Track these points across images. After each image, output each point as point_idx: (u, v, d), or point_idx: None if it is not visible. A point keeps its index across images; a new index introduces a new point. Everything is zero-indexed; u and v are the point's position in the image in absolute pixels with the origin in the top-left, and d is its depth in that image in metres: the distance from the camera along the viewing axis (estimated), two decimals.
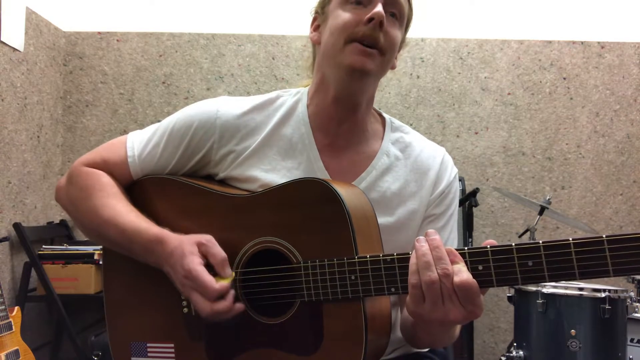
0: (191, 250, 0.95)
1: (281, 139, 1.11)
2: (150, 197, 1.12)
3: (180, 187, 1.09)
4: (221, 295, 0.93)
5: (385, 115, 1.20)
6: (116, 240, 1.06)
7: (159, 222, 1.05)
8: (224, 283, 0.93)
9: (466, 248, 0.84)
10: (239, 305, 0.95)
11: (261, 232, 0.98)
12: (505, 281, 0.82)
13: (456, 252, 0.83)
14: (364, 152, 1.13)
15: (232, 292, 0.94)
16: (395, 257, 0.88)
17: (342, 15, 1.04)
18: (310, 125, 1.11)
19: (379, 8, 1.01)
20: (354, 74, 1.04)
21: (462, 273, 0.81)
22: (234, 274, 0.97)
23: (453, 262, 0.82)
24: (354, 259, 0.90)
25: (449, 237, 1.13)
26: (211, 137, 1.09)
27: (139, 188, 1.14)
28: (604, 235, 0.76)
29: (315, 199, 0.94)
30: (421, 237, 0.85)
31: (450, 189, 1.15)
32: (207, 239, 0.97)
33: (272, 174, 1.08)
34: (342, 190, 0.94)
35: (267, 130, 1.10)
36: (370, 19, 1.00)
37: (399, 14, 1.06)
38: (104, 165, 1.13)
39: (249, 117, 1.11)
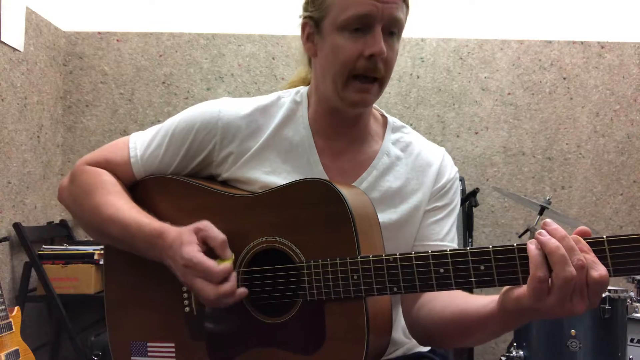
0: (189, 239, 0.95)
1: (282, 141, 1.11)
2: (152, 197, 1.12)
3: (183, 187, 1.09)
4: (224, 278, 0.93)
5: (387, 115, 1.20)
6: (118, 236, 1.06)
7: (162, 221, 1.05)
8: (227, 264, 0.94)
9: (468, 248, 0.84)
10: (242, 290, 0.95)
11: (264, 232, 0.98)
12: (507, 281, 0.82)
13: (583, 240, 0.77)
14: (364, 154, 1.13)
15: (234, 274, 0.95)
16: (397, 256, 0.88)
17: (342, 48, 1.01)
18: (311, 128, 1.12)
19: (380, 44, 0.99)
20: (354, 109, 1.07)
21: (598, 266, 0.75)
22: (233, 255, 0.96)
23: (582, 252, 0.76)
24: (357, 258, 0.90)
25: (448, 231, 1.13)
26: (213, 139, 1.09)
27: (141, 187, 1.14)
28: (604, 236, 0.77)
29: (318, 199, 0.94)
30: (542, 230, 0.79)
31: (452, 185, 1.15)
32: (204, 224, 0.97)
33: (272, 176, 1.08)
34: (344, 190, 0.94)
35: (269, 132, 1.10)
36: (371, 55, 0.99)
37: (398, 30, 1.04)
38: (107, 166, 1.14)
39: (251, 118, 1.11)
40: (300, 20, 1.10)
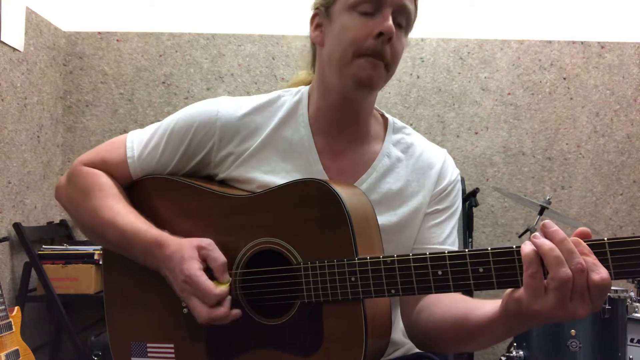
0: (191, 254, 0.95)
1: (281, 141, 1.10)
2: (150, 197, 1.12)
3: (180, 188, 1.09)
4: (219, 302, 0.92)
5: (388, 116, 1.19)
6: (115, 241, 1.05)
7: (159, 222, 1.05)
8: (223, 288, 0.93)
9: (466, 250, 0.84)
10: (236, 312, 0.95)
11: (261, 233, 0.98)
12: (506, 283, 0.81)
13: (583, 243, 0.76)
14: (364, 155, 1.12)
15: (229, 298, 0.94)
16: (395, 258, 0.87)
17: (351, 27, 1.01)
18: (311, 127, 1.11)
19: (389, 22, 0.99)
20: (362, 89, 1.04)
21: (599, 269, 0.74)
22: (230, 279, 0.96)
23: (582, 254, 0.75)
24: (354, 260, 0.89)
25: (449, 234, 1.12)
26: (211, 139, 1.09)
27: (139, 188, 1.14)
28: (605, 238, 0.76)
29: (315, 199, 0.94)
30: (537, 233, 0.78)
31: (453, 187, 1.14)
32: (208, 242, 0.97)
33: (271, 175, 1.07)
34: (342, 191, 0.93)
35: (267, 132, 1.10)
36: (380, 34, 0.99)
37: (406, 23, 1.04)
38: (104, 165, 1.13)
39: (250, 118, 1.10)
40: (309, 18, 1.10)
